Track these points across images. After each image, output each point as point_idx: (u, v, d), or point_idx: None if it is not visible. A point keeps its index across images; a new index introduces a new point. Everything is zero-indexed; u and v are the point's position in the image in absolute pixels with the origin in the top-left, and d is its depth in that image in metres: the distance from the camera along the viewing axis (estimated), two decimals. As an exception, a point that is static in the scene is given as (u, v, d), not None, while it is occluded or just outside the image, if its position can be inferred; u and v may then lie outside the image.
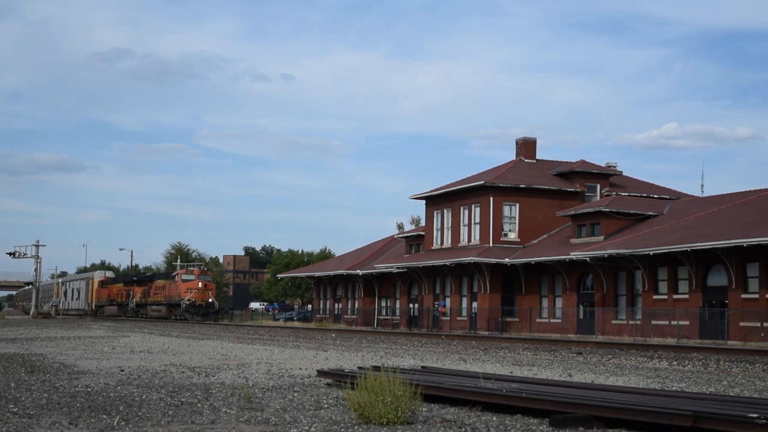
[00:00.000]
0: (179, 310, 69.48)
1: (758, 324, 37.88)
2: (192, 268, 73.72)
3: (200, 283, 69.68)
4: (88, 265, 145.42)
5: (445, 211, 58.78)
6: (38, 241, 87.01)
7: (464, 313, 55.55)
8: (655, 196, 56.91)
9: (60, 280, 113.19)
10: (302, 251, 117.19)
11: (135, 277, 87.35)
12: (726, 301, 40.23)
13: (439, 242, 59.18)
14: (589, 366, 18.55)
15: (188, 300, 68.43)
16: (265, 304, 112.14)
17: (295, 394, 11.74)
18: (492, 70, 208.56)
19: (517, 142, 61.80)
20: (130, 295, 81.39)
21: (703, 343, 36.51)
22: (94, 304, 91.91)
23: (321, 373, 13.84)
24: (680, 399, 9.63)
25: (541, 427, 8.87)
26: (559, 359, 21.01)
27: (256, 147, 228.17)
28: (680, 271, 42.94)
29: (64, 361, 18.36)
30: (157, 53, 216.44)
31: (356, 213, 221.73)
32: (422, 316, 59.24)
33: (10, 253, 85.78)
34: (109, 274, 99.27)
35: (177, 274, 72.21)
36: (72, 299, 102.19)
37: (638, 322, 43.87)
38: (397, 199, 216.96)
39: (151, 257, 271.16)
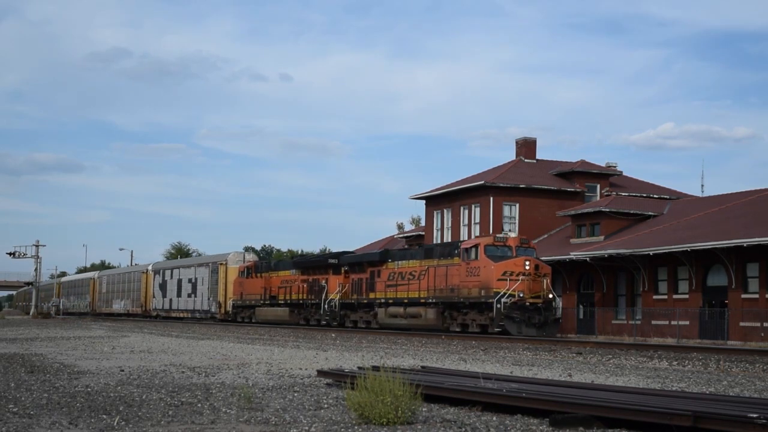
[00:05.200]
0: (484, 316, 36.88)
1: (758, 324, 37.88)
2: (502, 236, 38.71)
3: (527, 262, 36.70)
4: (88, 265, 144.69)
5: (445, 211, 58.79)
6: (38, 241, 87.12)
7: (464, 313, 55.31)
8: (655, 196, 56.92)
9: (150, 268, 78.44)
10: (302, 251, 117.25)
11: (333, 257, 50.03)
12: (726, 301, 40.23)
13: (439, 242, 59.17)
14: (589, 366, 18.55)
15: (510, 296, 35.57)
16: None
17: (295, 394, 11.75)
18: (492, 70, 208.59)
19: (517, 142, 61.84)
20: (320, 289, 48.37)
21: (703, 343, 36.52)
22: (230, 303, 60.08)
23: (321, 373, 13.85)
24: (680, 399, 9.63)
25: (541, 427, 8.88)
26: (559, 359, 21.00)
27: (256, 147, 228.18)
28: (680, 271, 42.94)
29: (64, 361, 18.36)
30: (155, 53, 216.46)
31: (356, 213, 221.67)
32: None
33: (10, 253, 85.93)
34: (250, 256, 64.32)
35: (475, 245, 37.87)
36: (179, 295, 69.75)
37: (638, 322, 43.87)
38: (397, 199, 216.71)
39: (152, 257, 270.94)
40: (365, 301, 45.07)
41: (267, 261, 63.18)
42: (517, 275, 36.16)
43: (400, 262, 43.28)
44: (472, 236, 55.25)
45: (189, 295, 67.74)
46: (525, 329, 35.18)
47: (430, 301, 39.85)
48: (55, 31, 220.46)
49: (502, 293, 35.59)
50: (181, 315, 68.36)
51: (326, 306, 47.60)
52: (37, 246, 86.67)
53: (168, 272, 73.45)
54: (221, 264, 62.73)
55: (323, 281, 48.46)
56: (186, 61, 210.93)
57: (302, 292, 50.30)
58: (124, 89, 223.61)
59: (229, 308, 60.09)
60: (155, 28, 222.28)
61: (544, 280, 36.98)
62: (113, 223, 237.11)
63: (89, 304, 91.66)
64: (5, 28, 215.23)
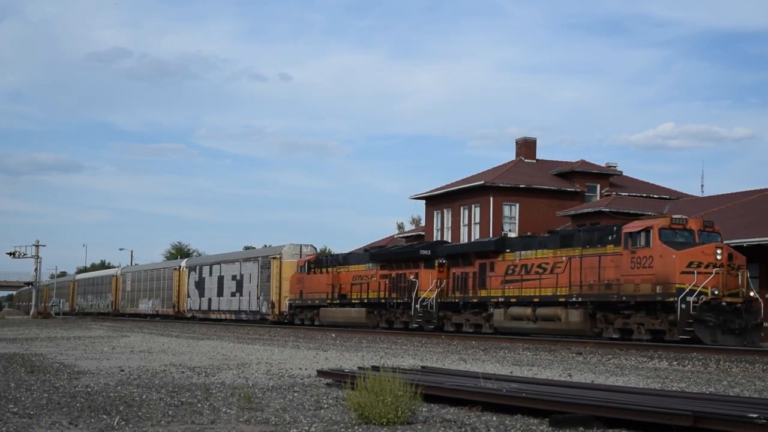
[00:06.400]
0: (659, 319, 28.43)
1: (758, 324, 37.86)
2: (680, 218, 29.96)
3: (718, 250, 28.42)
4: (89, 265, 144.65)
5: (445, 211, 58.82)
6: (38, 241, 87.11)
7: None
8: (655, 196, 56.93)
9: (183, 264, 70.29)
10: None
11: (425, 247, 41.78)
12: (726, 301, 40.15)
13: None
14: (589, 366, 18.55)
15: (701, 293, 27.39)
16: None
17: (295, 394, 11.75)
18: (492, 70, 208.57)
19: (517, 142, 61.90)
20: (409, 286, 40.64)
21: (703, 343, 36.42)
22: (285, 303, 52.46)
23: (321, 373, 13.85)
24: (680, 399, 9.63)
25: (541, 427, 8.88)
26: (559, 359, 21.01)
27: (256, 147, 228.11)
28: (680, 271, 42.87)
29: (64, 361, 18.37)
30: (155, 53, 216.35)
31: (356, 213, 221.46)
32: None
33: (10, 253, 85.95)
34: (308, 250, 54.59)
35: (645, 229, 29.43)
36: (221, 294, 61.26)
37: (638, 322, 43.78)
38: (397, 199, 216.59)
39: (152, 257, 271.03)
40: (474, 301, 37.24)
41: (334, 254, 54.46)
42: (707, 267, 27.89)
43: (523, 252, 35.14)
44: (472, 236, 55.19)
45: (233, 294, 59.35)
46: (721, 337, 26.98)
47: (574, 299, 31.71)
48: (55, 31, 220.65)
49: (688, 290, 27.28)
50: (223, 316, 60.28)
51: (418, 306, 39.84)
52: (37, 246, 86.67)
53: (206, 268, 64.33)
54: (274, 258, 54.29)
55: (412, 276, 40.66)
56: (186, 61, 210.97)
57: (383, 289, 42.72)
58: (124, 89, 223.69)
59: (285, 308, 52.46)
60: (155, 28, 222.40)
61: (741, 274, 28.69)
62: (113, 223, 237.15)
63: (111, 303, 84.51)
64: (5, 28, 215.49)
